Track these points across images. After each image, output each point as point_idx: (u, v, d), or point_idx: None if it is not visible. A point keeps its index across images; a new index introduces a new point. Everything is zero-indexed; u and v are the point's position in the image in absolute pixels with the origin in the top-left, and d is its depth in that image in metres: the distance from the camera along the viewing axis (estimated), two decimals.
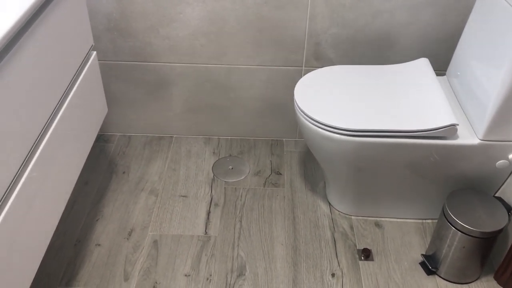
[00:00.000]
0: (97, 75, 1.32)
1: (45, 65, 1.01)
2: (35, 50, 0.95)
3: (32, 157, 0.97)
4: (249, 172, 1.69)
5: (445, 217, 1.28)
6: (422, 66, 1.46)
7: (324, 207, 1.57)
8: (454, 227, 1.25)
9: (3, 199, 0.87)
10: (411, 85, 1.39)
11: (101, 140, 1.81)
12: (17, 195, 0.91)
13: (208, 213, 1.54)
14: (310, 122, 1.30)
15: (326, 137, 1.28)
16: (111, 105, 1.75)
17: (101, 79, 1.39)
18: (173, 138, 1.83)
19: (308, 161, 1.74)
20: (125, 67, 1.65)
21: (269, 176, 1.68)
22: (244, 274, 1.36)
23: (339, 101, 1.33)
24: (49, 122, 1.05)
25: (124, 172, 1.68)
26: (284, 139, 1.84)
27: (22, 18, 0.87)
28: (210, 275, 1.35)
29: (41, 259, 1.03)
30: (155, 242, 1.44)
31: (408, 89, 1.37)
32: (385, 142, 1.27)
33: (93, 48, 1.29)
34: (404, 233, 1.48)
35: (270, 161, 1.74)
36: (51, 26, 1.02)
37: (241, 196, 1.60)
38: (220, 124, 1.80)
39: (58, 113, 1.08)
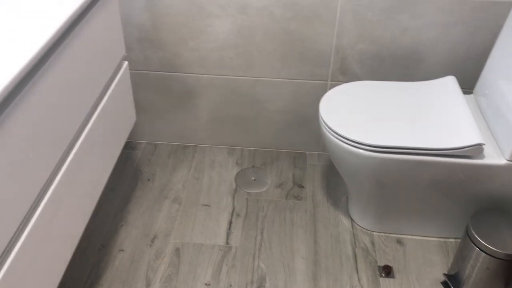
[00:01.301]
0: (128, 85, 1.36)
1: (79, 73, 1.04)
2: (71, 59, 0.99)
3: (64, 163, 1.00)
4: (272, 184, 1.70)
5: (469, 237, 1.26)
6: (449, 84, 1.45)
7: (345, 222, 1.56)
8: (478, 248, 1.24)
9: (35, 203, 0.91)
10: (438, 103, 1.38)
11: (128, 147, 1.85)
12: (48, 199, 0.94)
13: (230, 223, 1.55)
14: (335, 137, 1.30)
15: (350, 152, 1.29)
16: (139, 113, 1.79)
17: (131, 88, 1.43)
18: (198, 148, 1.85)
19: (331, 175, 1.74)
20: (154, 76, 1.69)
21: (291, 188, 1.68)
22: (264, 286, 1.36)
23: (364, 116, 1.33)
24: (81, 129, 1.08)
25: (149, 179, 1.71)
26: (307, 152, 1.85)
27: (60, 29, 0.90)
28: (230, 286, 1.36)
29: (68, 262, 1.05)
30: (177, 250, 1.46)
31: (434, 107, 1.37)
32: (409, 159, 1.26)
33: (124, 58, 1.32)
34: (426, 251, 1.47)
35: (293, 173, 1.75)
36: (87, 36, 1.06)
37: (263, 208, 1.61)
38: (244, 135, 1.82)
39: (89, 120, 1.11)
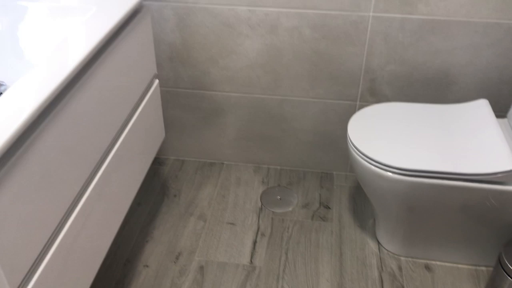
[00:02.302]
0: (158, 102, 1.38)
1: (112, 90, 1.07)
2: (105, 77, 1.01)
3: (94, 177, 1.02)
4: (297, 203, 1.69)
5: (501, 266, 1.22)
6: (482, 107, 1.42)
7: (372, 245, 1.53)
8: (511, 278, 1.19)
9: (65, 216, 0.92)
10: (469, 126, 1.35)
11: (156, 163, 1.87)
12: (77, 213, 0.95)
13: (254, 242, 1.54)
14: (363, 159, 1.29)
15: (378, 175, 1.27)
16: (168, 129, 1.81)
17: (161, 105, 1.45)
18: (224, 165, 1.86)
19: (358, 196, 1.72)
20: (183, 94, 1.71)
21: (318, 209, 1.67)
22: None
23: (393, 139, 1.31)
24: (112, 144, 1.10)
25: (175, 196, 1.72)
26: (334, 172, 1.83)
27: (95, 48, 0.93)
28: None
29: (94, 276, 1.06)
30: (201, 267, 1.46)
31: (466, 130, 1.34)
32: (439, 183, 1.24)
33: (155, 76, 1.34)
34: (455, 279, 1.42)
35: (319, 194, 1.73)
36: (121, 55, 1.08)
37: (288, 228, 1.59)
38: (271, 154, 1.82)
39: (120, 136, 1.13)
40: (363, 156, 1.28)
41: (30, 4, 1.08)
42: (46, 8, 1.08)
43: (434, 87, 1.56)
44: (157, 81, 1.35)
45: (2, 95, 0.79)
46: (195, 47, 1.59)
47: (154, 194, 1.72)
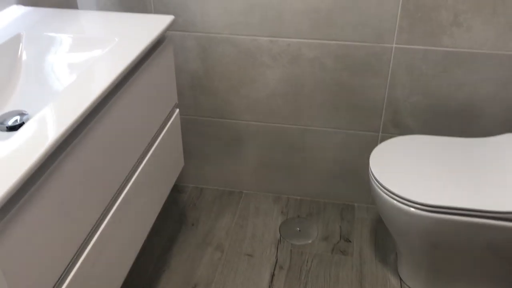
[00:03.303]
0: (178, 131, 1.38)
1: (133, 120, 1.07)
2: (126, 107, 1.02)
3: (113, 205, 1.02)
4: (317, 236, 1.65)
5: None
6: (509, 141, 1.38)
7: (394, 281, 1.48)
8: None
9: (83, 244, 0.91)
10: (496, 161, 1.31)
11: (175, 191, 1.86)
12: (95, 241, 0.94)
13: (272, 275, 1.51)
14: (385, 193, 1.25)
15: (401, 210, 1.23)
16: (187, 157, 1.81)
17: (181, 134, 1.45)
18: (243, 194, 1.84)
19: (380, 230, 1.67)
20: (203, 122, 1.71)
21: (338, 242, 1.63)
22: None
23: (417, 173, 1.28)
24: (131, 173, 1.10)
25: (193, 225, 1.70)
26: (355, 204, 1.79)
27: (117, 78, 0.93)
28: None
29: None
30: None
31: (493, 166, 1.29)
32: (465, 221, 1.19)
33: (176, 105, 1.35)
34: None
35: (340, 226, 1.69)
36: (142, 85, 1.09)
37: (307, 261, 1.55)
38: (291, 184, 1.80)
39: (139, 165, 1.13)
40: (385, 190, 1.25)
41: (56, 35, 1.10)
42: (72, 39, 1.10)
43: (459, 120, 1.53)
44: (177, 110, 1.36)
45: (24, 125, 0.79)
46: (217, 76, 1.60)
47: (172, 223, 1.71)
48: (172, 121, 1.32)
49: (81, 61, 1.08)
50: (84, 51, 1.09)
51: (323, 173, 1.74)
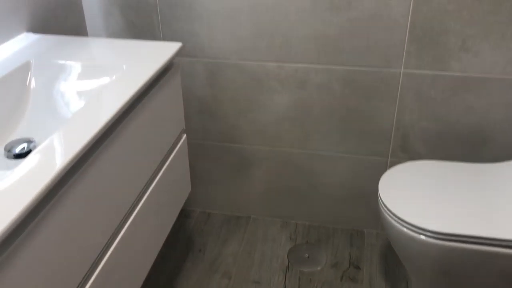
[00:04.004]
0: (185, 157, 1.37)
1: (140, 147, 1.07)
2: (134, 133, 1.02)
3: (120, 232, 1.01)
4: (326, 262, 1.62)
5: None
6: None
7: None
8: None
9: (88, 272, 0.90)
10: (508, 188, 1.28)
11: (182, 215, 1.85)
12: (101, 268, 0.93)
13: None
14: (394, 220, 1.23)
15: (411, 238, 1.20)
16: (195, 181, 1.80)
17: (188, 158, 1.44)
18: (251, 219, 1.82)
19: (390, 257, 1.64)
20: (211, 146, 1.71)
21: (347, 269, 1.60)
22: None
23: (427, 199, 1.26)
24: (138, 199, 1.09)
25: (200, 250, 1.68)
26: (365, 230, 1.76)
27: (125, 105, 0.94)
28: None
29: None
30: None
31: (505, 192, 1.27)
32: (477, 249, 1.16)
33: (183, 131, 1.35)
34: None
35: (349, 253, 1.66)
36: (150, 111, 1.09)
37: None
38: (299, 209, 1.78)
39: (146, 191, 1.12)
40: (394, 218, 1.23)
41: (65, 63, 1.11)
42: (80, 66, 1.11)
43: (469, 145, 1.51)
44: (184, 135, 1.35)
45: (31, 153, 0.79)
46: (225, 101, 1.60)
47: (178, 248, 1.69)
48: (179, 146, 1.31)
49: (89, 89, 1.08)
50: (92, 78, 1.09)
51: (331, 198, 1.72)
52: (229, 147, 1.70)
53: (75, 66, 1.11)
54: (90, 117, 0.89)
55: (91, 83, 1.09)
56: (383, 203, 1.27)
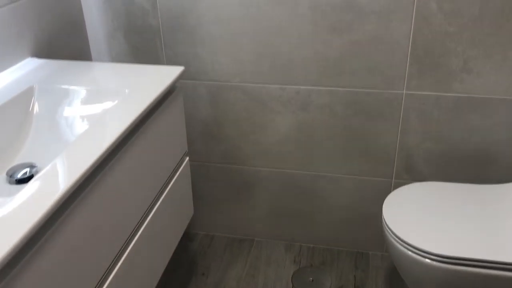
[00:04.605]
0: (188, 180, 1.37)
1: (143, 170, 1.07)
2: (136, 157, 1.02)
3: (121, 256, 1.00)
4: (331, 286, 1.60)
5: None
6: None
7: None
8: None
9: None
10: None
11: (185, 238, 1.83)
12: None
13: None
14: (399, 243, 1.22)
15: (415, 261, 1.19)
16: (198, 204, 1.79)
17: (191, 180, 1.44)
18: (254, 242, 1.81)
19: (395, 279, 1.62)
20: (214, 168, 1.70)
21: None
22: None
23: (431, 221, 1.24)
24: (140, 222, 1.08)
25: (203, 274, 1.67)
26: (370, 252, 1.74)
27: (127, 129, 0.94)
28: None
29: None
30: None
31: (510, 214, 1.25)
32: (482, 273, 1.14)
33: (186, 154, 1.35)
34: None
35: (354, 275, 1.64)
36: (153, 134, 1.10)
37: None
38: (303, 231, 1.76)
39: (149, 214, 1.12)
40: (399, 241, 1.21)
41: (68, 87, 1.12)
42: (83, 91, 1.12)
43: (474, 166, 1.50)
44: (187, 158, 1.35)
45: (33, 179, 0.79)
46: (227, 122, 1.61)
47: (181, 272, 1.68)
48: (182, 169, 1.31)
49: (92, 113, 1.09)
50: (95, 103, 1.10)
51: (336, 220, 1.71)
52: (233, 169, 1.69)
53: (79, 91, 1.12)
54: (92, 141, 0.89)
55: (94, 107, 1.10)
56: (387, 226, 1.25)
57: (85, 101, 1.11)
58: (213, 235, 1.84)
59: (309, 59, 1.45)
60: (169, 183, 1.24)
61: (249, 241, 1.81)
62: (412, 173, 1.56)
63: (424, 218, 1.26)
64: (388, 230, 1.25)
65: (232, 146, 1.65)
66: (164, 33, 1.51)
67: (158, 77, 1.16)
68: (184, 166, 1.33)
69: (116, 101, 1.05)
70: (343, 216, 1.69)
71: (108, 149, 0.88)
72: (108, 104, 1.08)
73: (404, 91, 1.44)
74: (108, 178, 0.91)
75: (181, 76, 1.21)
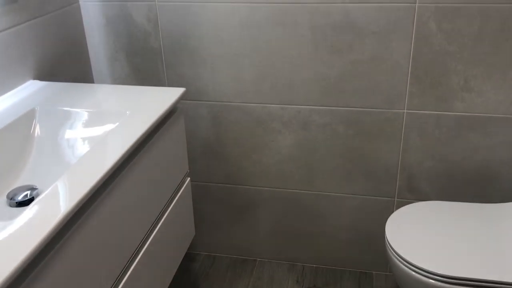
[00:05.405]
0: (189, 201, 1.37)
1: (144, 191, 1.06)
2: (137, 178, 1.01)
3: (122, 279, 0.99)
4: None
5: None
6: None
7: None
8: None
9: None
10: None
11: (187, 259, 1.82)
12: None
13: None
14: (402, 264, 1.20)
15: (419, 281, 1.17)
16: (199, 224, 1.78)
17: (192, 200, 1.44)
18: (257, 262, 1.79)
19: None
20: (215, 188, 1.70)
21: None
22: None
23: (434, 241, 1.23)
24: (141, 244, 1.08)
25: None
26: (373, 272, 1.72)
27: (128, 151, 0.94)
28: None
29: None
30: None
31: None
32: None
33: (187, 175, 1.35)
34: None
35: None
36: (154, 156, 1.09)
37: None
38: (306, 251, 1.75)
39: (150, 236, 1.11)
40: (402, 261, 1.20)
41: (69, 109, 1.13)
42: (84, 113, 1.12)
43: (476, 185, 1.49)
44: (188, 179, 1.35)
45: (34, 201, 0.79)
46: (228, 142, 1.61)
47: None
48: (183, 190, 1.31)
49: (94, 135, 1.09)
50: (97, 125, 1.10)
51: (339, 240, 1.70)
52: (234, 189, 1.69)
53: (80, 113, 1.12)
54: (93, 163, 0.89)
55: (96, 129, 1.10)
56: (391, 246, 1.24)
57: (87, 123, 1.11)
58: (215, 256, 1.83)
59: (310, 79, 1.45)
60: (170, 204, 1.23)
61: (251, 261, 1.79)
62: (415, 192, 1.55)
63: (428, 238, 1.25)
64: (392, 250, 1.24)
65: (233, 166, 1.65)
66: (165, 55, 1.52)
67: (160, 99, 1.16)
68: (185, 187, 1.32)
69: (118, 123, 1.05)
70: (346, 236, 1.68)
71: (109, 171, 0.88)
72: (110, 126, 1.08)
73: (405, 110, 1.44)
74: (108, 201, 0.91)
75: (182, 97, 1.21)
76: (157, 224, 1.15)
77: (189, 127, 1.61)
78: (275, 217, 1.71)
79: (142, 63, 1.55)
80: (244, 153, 1.62)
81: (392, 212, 1.54)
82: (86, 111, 1.12)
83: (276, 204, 1.68)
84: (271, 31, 1.42)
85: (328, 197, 1.63)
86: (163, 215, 1.19)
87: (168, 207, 1.22)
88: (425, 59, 1.36)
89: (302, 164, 1.59)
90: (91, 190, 0.82)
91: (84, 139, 1.09)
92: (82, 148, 1.07)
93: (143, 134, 1.01)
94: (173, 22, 1.47)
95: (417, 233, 1.27)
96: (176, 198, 1.26)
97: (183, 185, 1.31)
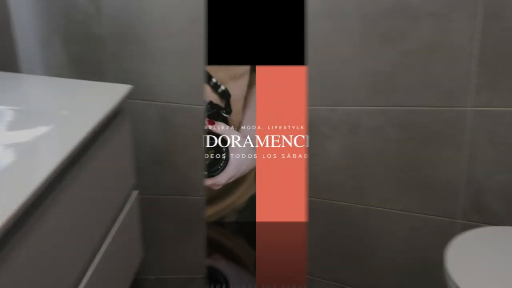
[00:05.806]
0: (136, 218, 1.24)
1: (83, 209, 0.93)
2: (74, 194, 0.89)
3: None
4: None
5: None
6: None
7: None
8: None
9: None
10: None
11: (134, 286, 1.64)
12: None
13: None
14: None
15: None
16: (147, 245, 1.60)
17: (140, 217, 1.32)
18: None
19: None
20: (164, 201, 1.53)
21: None
22: None
23: (505, 277, 1.04)
24: (82, 272, 0.94)
25: None
26: None
27: (64, 160, 0.81)
28: None
29: None
30: None
31: None
32: None
33: (134, 187, 1.22)
34: None
35: None
36: (94, 166, 0.97)
37: None
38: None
39: (92, 261, 0.98)
40: None
41: None
42: (11, 111, 0.97)
43: None
44: (136, 192, 1.21)
45: None
46: (176, 150, 1.45)
47: None
48: (130, 206, 1.17)
49: (20, 141, 0.94)
50: (24, 128, 0.96)
51: (392, 265, 1.46)
52: (183, 200, 1.51)
53: (2, 111, 0.97)
54: (21, 176, 0.75)
55: (23, 133, 0.95)
56: (451, 279, 1.06)
57: (11, 126, 0.96)
58: (166, 278, 1.64)
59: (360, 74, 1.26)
60: (114, 222, 1.09)
61: (201, 279, 1.60)
62: (484, 213, 1.31)
63: (497, 272, 1.08)
64: (452, 283, 1.05)
65: (183, 176, 1.48)
66: (110, 44, 1.34)
67: (102, 97, 1.05)
68: (132, 202, 1.19)
69: (51, 126, 0.91)
70: (397, 261, 1.46)
71: (40, 187, 0.73)
72: (41, 130, 0.93)
73: (471, 108, 1.24)
74: (41, 220, 0.77)
75: (129, 96, 1.08)
76: (101, 246, 1.02)
77: (136, 131, 1.43)
78: None
79: (81, 52, 1.36)
80: (193, 161, 1.45)
81: (454, 236, 1.31)
82: (10, 108, 0.98)
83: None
84: None
85: (377, 213, 1.39)
86: (107, 235, 1.05)
87: (113, 225, 1.09)
88: (496, 40, 1.16)
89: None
90: (18, 211, 0.67)
91: (7, 146, 0.92)
92: (6, 158, 0.90)
93: (82, 141, 0.88)
94: (120, 5, 1.29)
95: (484, 264, 1.10)
96: (122, 215, 1.13)
97: (129, 199, 1.18)
